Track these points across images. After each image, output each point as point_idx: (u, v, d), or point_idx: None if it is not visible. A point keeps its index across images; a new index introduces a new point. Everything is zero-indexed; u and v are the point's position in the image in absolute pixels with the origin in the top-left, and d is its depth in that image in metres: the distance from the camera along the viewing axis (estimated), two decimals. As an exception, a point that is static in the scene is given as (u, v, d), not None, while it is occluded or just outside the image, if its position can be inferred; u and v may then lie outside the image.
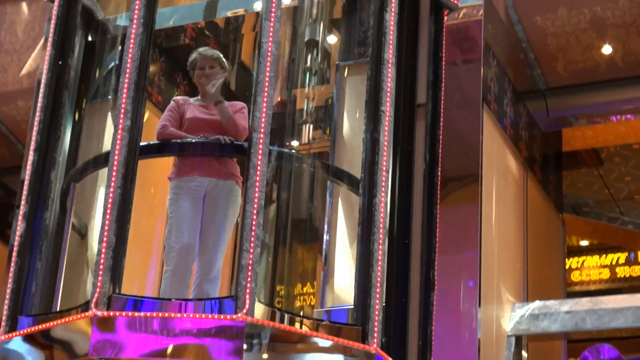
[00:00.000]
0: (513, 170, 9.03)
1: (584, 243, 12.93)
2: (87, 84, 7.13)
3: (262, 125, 5.80)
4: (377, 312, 5.95)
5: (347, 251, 6.75)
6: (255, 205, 5.72)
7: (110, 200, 5.82)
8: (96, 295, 5.66)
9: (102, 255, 5.71)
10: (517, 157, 9.14)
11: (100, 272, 5.68)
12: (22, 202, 6.43)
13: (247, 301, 5.58)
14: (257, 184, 5.74)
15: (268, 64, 5.89)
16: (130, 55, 6.04)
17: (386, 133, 6.32)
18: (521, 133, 9.40)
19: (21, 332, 5.99)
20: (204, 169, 6.28)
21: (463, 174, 7.59)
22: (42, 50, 6.83)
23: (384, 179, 6.23)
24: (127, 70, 6.07)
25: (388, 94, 6.40)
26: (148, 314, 5.61)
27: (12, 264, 6.30)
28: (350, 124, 7.31)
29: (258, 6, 7.68)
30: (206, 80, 6.51)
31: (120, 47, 6.72)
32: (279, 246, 6.75)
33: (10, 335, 6.04)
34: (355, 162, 6.51)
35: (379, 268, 6.03)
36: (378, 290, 6.00)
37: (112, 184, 5.86)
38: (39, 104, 6.71)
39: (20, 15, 10.09)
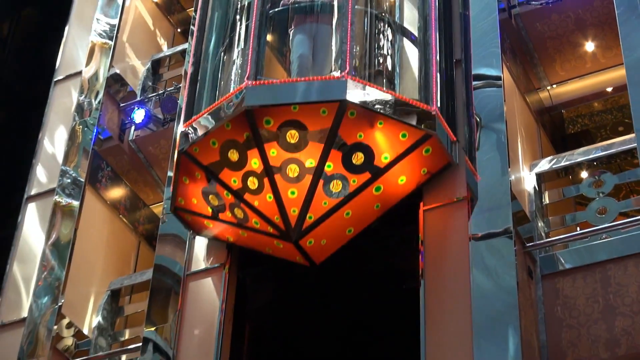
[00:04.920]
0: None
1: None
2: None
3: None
4: (435, 89, 8.81)
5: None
6: (350, 13, 8.77)
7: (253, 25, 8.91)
8: (247, 73, 8.64)
9: (250, 49, 8.74)
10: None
11: (250, 58, 8.69)
12: (191, 55, 9.57)
13: (348, 66, 8.51)
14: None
15: None
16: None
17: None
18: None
19: (196, 117, 8.93)
20: (313, 17, 9.38)
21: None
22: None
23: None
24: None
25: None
26: (288, 80, 8.64)
27: (187, 86, 9.35)
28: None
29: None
30: None
31: None
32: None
33: (188, 122, 8.98)
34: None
35: (434, 61, 8.96)
36: (435, 75, 8.88)
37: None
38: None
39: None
